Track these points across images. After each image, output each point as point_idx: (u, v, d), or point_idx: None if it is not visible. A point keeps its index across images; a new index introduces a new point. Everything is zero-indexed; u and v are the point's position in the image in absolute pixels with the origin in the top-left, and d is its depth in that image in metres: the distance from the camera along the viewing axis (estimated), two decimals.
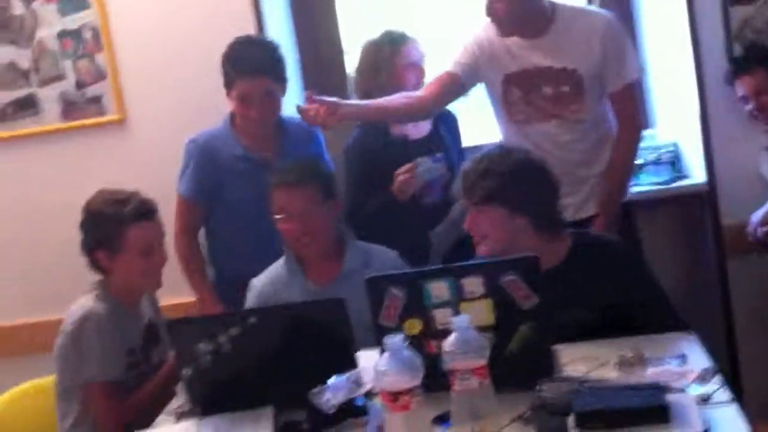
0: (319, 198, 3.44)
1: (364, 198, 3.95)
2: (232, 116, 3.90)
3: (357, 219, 3.87)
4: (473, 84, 3.90)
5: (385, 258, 3.51)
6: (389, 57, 4.03)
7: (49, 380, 3.40)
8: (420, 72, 4.08)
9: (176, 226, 3.86)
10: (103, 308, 3.25)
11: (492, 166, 3.09)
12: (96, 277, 3.37)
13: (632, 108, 3.85)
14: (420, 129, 4.10)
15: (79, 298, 3.30)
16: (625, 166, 3.85)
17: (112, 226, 3.25)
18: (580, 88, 3.75)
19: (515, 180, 3.08)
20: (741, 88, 4.03)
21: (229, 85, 3.79)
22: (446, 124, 4.15)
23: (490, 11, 3.72)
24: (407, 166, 3.83)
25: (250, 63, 3.77)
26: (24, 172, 4.49)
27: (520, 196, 3.08)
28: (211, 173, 3.85)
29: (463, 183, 3.14)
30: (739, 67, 4.06)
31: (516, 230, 3.09)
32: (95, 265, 3.33)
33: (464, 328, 2.47)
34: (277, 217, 3.44)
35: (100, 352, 3.21)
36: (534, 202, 3.11)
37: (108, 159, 4.40)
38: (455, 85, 3.85)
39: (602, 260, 3.12)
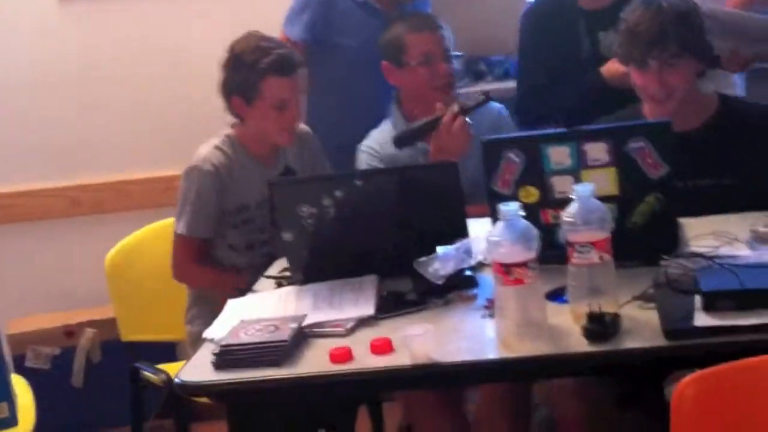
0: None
1: (535, 68, 3.60)
2: None
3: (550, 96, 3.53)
4: None
5: (487, 112, 3.39)
6: None
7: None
8: None
9: None
10: (220, 158, 3.22)
11: (681, 12, 2.90)
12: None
13: None
14: None
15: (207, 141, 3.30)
16: None
17: (248, 74, 3.17)
18: None
19: (701, 25, 2.92)
20: None
21: None
22: None
23: None
24: None
25: None
26: (131, 24, 4.35)
27: (704, 43, 2.93)
28: (328, 15, 3.69)
29: (647, 36, 2.89)
30: None
31: (693, 81, 2.95)
32: (232, 110, 3.26)
33: (586, 197, 2.28)
34: (415, 63, 3.35)
35: (193, 207, 3.21)
36: (708, 47, 2.96)
37: (217, 14, 4.24)
38: None
39: (748, 126, 2.94)
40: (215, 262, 3.28)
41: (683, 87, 2.92)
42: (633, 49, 2.93)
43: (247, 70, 3.17)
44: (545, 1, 3.67)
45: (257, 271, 2.97)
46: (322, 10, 3.69)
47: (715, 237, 2.60)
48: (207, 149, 3.25)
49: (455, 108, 3.18)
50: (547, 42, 3.51)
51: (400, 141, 3.27)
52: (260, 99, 3.17)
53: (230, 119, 3.30)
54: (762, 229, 2.56)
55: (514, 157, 2.59)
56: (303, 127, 3.41)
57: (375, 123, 3.51)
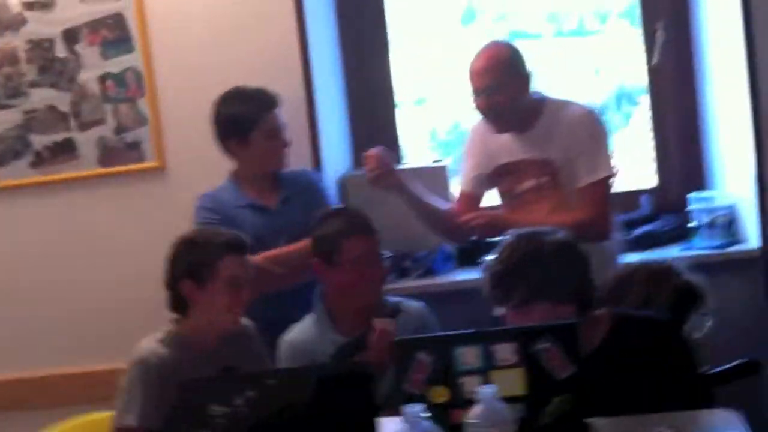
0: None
1: None
2: (234, 173, 3.93)
3: None
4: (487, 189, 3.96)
5: (412, 312, 3.45)
6: None
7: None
8: None
9: None
10: (163, 352, 3.22)
11: (527, 259, 2.91)
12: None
13: (598, 206, 3.67)
14: None
15: (145, 337, 3.29)
16: None
17: (204, 254, 3.23)
18: (558, 180, 3.73)
19: (552, 270, 2.88)
20: None
21: (250, 126, 3.80)
22: None
23: (482, 109, 3.75)
24: None
25: (270, 97, 3.85)
26: (61, 217, 4.43)
27: (561, 286, 2.89)
28: (222, 223, 3.74)
29: (494, 287, 2.92)
30: None
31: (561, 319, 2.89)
32: (176, 299, 3.27)
33: (489, 399, 2.33)
34: (347, 265, 3.39)
35: (142, 400, 3.17)
36: (573, 287, 2.93)
37: (146, 206, 4.34)
38: (477, 201, 3.96)
39: (643, 341, 2.94)
40: None
41: None
42: (491, 291, 2.94)
43: (201, 251, 3.24)
44: None
45: None
46: (216, 218, 3.80)
47: None
48: (150, 342, 3.25)
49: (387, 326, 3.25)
50: None
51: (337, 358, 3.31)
52: (214, 278, 3.21)
53: (165, 314, 3.30)
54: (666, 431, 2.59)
55: (423, 357, 2.63)
56: (247, 323, 3.43)
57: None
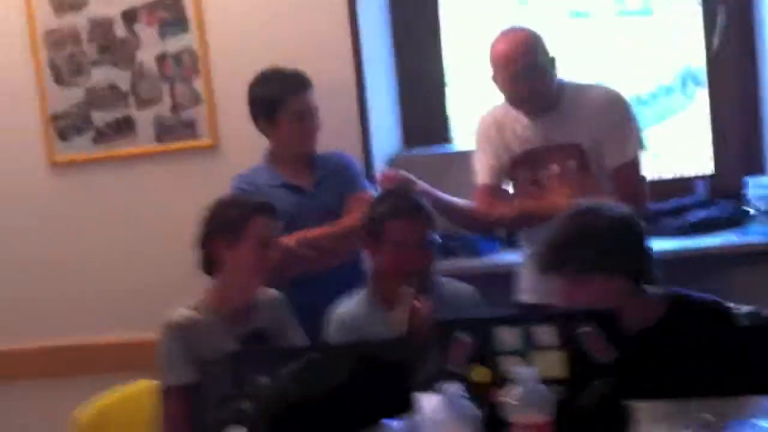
0: (429, 229, 3.45)
1: None
2: (269, 153, 3.97)
3: None
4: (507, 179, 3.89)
5: (461, 295, 3.45)
6: None
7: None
8: None
9: None
10: (191, 314, 3.30)
11: (584, 231, 2.92)
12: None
13: (633, 186, 3.67)
14: None
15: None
16: None
17: (235, 214, 3.33)
18: (585, 163, 3.69)
19: (608, 243, 2.89)
20: None
21: (277, 108, 3.83)
22: None
23: (525, 94, 3.69)
24: None
25: (299, 80, 3.86)
26: (120, 191, 4.54)
27: (616, 259, 2.89)
28: None
29: (547, 256, 2.93)
30: None
31: (615, 294, 2.89)
32: (207, 259, 3.36)
33: (529, 380, 2.33)
34: (388, 248, 3.40)
35: (176, 360, 3.26)
36: (630, 261, 2.93)
37: (199, 183, 4.37)
38: (498, 192, 3.87)
39: (699, 325, 2.93)
40: None
41: (596, 303, 2.84)
42: (545, 261, 2.95)
43: (233, 210, 3.34)
44: None
45: None
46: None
47: (666, 422, 2.62)
48: (180, 308, 3.33)
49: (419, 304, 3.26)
50: None
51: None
52: (244, 237, 3.29)
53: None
54: (708, 417, 2.58)
55: (463, 337, 2.64)
56: (274, 292, 3.49)
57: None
